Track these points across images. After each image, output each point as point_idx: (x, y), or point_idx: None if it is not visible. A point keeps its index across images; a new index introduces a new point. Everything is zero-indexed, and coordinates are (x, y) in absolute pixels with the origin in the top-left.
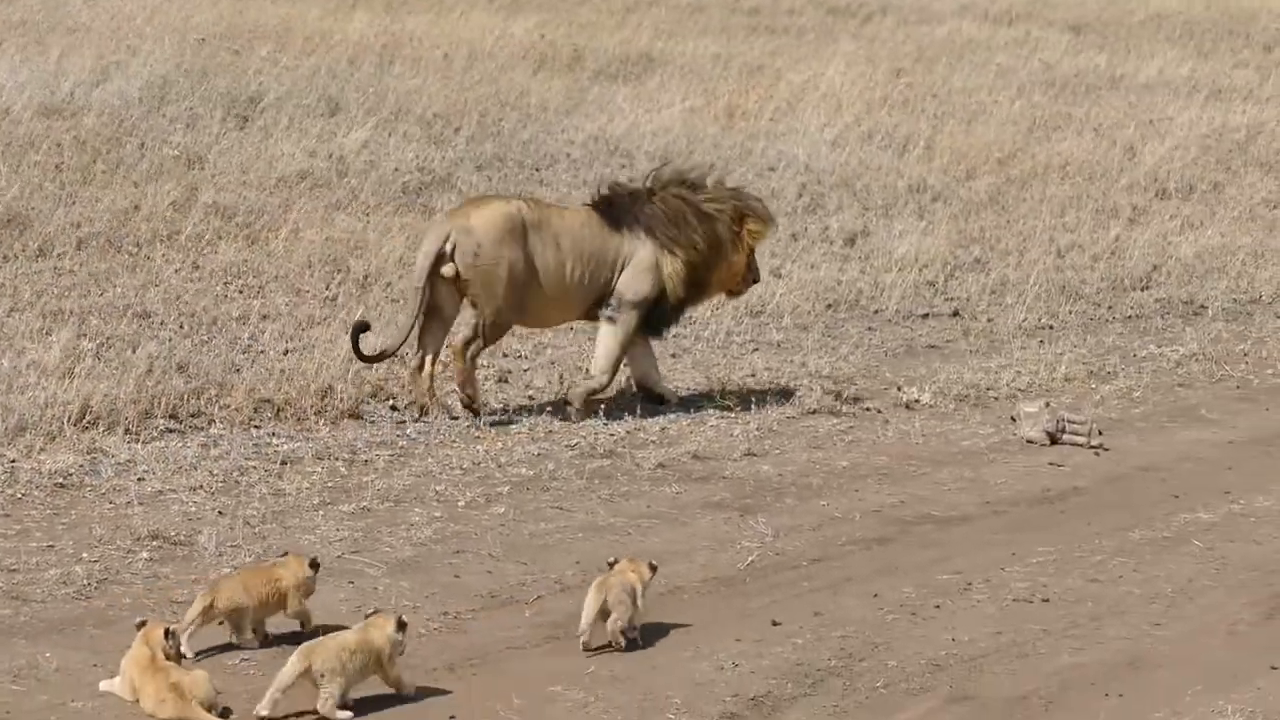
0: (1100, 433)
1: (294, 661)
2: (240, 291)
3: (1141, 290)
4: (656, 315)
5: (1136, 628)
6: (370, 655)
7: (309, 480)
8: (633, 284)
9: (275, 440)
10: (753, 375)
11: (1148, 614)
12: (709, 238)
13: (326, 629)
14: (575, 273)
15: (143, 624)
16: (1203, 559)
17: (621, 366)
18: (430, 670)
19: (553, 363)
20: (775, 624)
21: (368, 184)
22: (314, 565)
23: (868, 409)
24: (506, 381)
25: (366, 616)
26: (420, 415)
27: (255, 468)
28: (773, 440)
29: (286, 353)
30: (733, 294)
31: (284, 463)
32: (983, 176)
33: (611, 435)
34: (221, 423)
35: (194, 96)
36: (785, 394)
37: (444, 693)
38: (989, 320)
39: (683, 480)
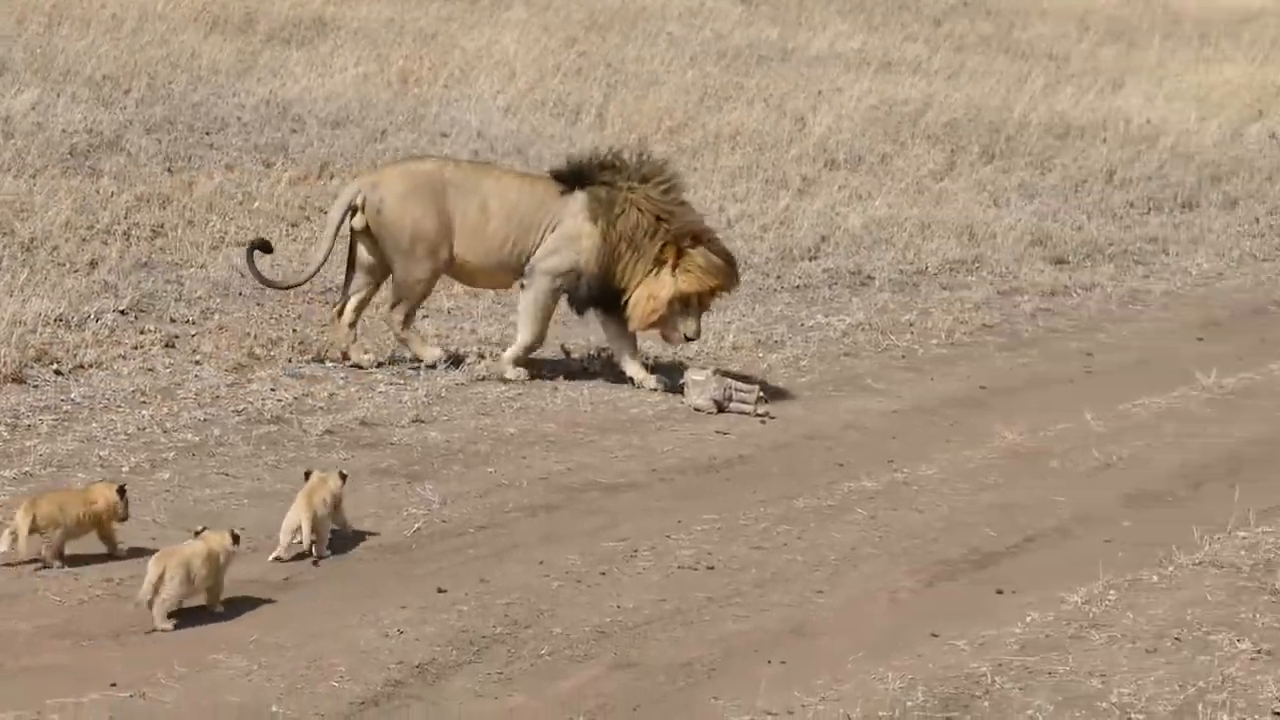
0: (767, 401)
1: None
2: None
3: (810, 260)
4: (576, 291)
5: (800, 595)
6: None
7: None
8: (550, 252)
9: None
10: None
11: (811, 581)
12: (636, 229)
13: None
14: (499, 235)
15: None
16: (866, 527)
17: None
18: (93, 638)
19: (220, 328)
20: (441, 591)
21: (34, 146)
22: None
23: (536, 376)
24: (173, 346)
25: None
26: (343, 360)
27: None
28: (441, 407)
29: None
30: (659, 328)
31: None
32: (654, 145)
33: (279, 401)
34: None
35: None
36: (455, 361)
37: (105, 660)
38: None
39: (350, 446)
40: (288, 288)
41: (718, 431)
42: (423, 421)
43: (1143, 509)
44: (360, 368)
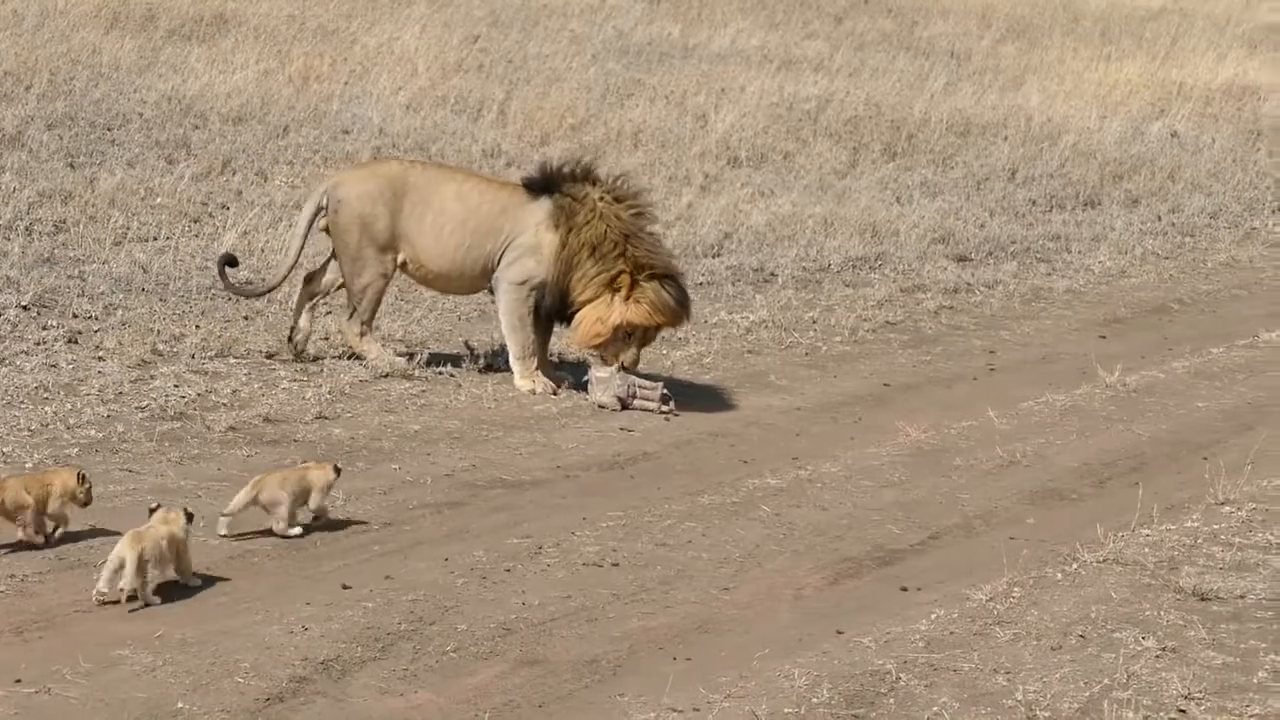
0: (671, 398)
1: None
2: None
3: (713, 257)
4: (540, 299)
5: (705, 592)
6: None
7: None
8: (511, 262)
9: None
10: (325, 338)
11: (716, 578)
12: (599, 242)
13: None
14: (454, 240)
15: None
16: (770, 524)
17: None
18: None
19: (123, 324)
20: (345, 588)
21: None
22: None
23: (440, 373)
24: (76, 342)
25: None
26: (295, 357)
27: None
28: (345, 403)
29: None
30: (599, 350)
31: None
32: (556, 142)
33: (182, 398)
34: None
35: None
36: (358, 357)
37: (9, 656)
38: None
39: (254, 443)
40: (261, 294)
41: (622, 429)
42: (326, 418)
43: (1046, 506)
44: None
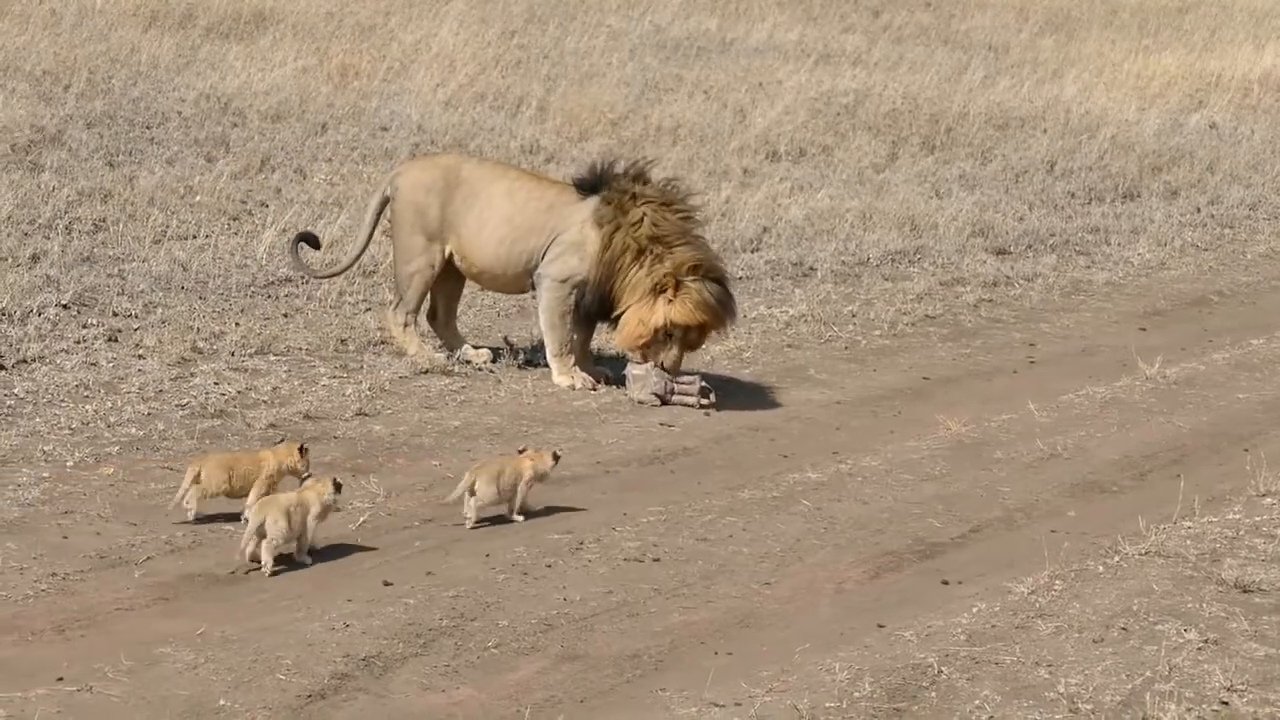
0: (710, 390)
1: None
2: None
3: (752, 252)
4: (581, 299)
5: (746, 586)
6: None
7: None
8: (554, 259)
9: None
10: (366, 335)
11: (757, 573)
12: (644, 244)
13: None
14: (497, 235)
15: None
16: (811, 518)
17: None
18: (37, 632)
19: (163, 322)
20: (387, 584)
21: None
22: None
23: (479, 369)
24: (116, 340)
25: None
26: (449, 356)
27: None
28: (385, 400)
29: None
30: (643, 352)
31: None
32: (595, 138)
33: (223, 395)
34: None
35: None
36: (399, 353)
37: (51, 655)
38: None
39: (294, 440)
40: (326, 276)
41: (662, 424)
42: (366, 415)
43: (1087, 499)
44: (471, 364)
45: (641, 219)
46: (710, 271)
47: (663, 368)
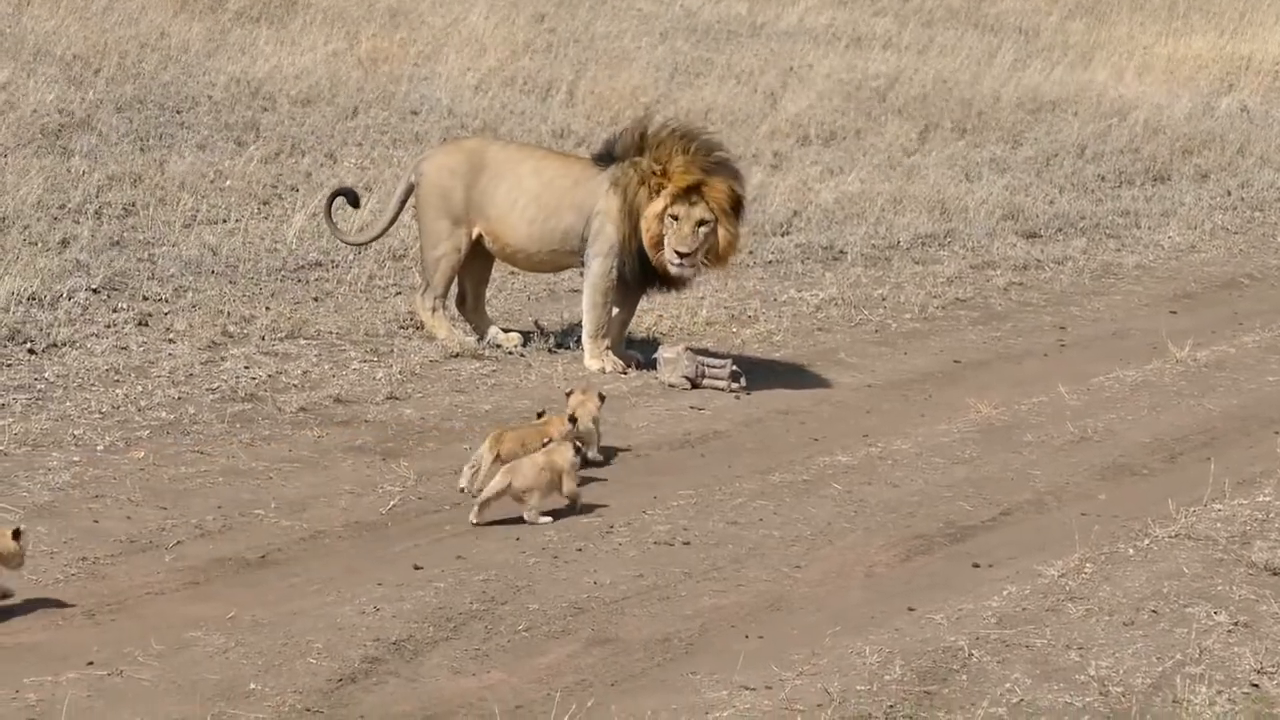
0: (741, 374)
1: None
2: None
3: (782, 235)
4: (622, 270)
5: (776, 570)
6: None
7: None
8: (595, 235)
9: None
10: (396, 319)
11: (787, 556)
12: (645, 177)
13: None
14: (528, 214)
15: None
16: (841, 501)
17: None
18: (68, 616)
19: (193, 306)
20: (417, 568)
21: (6, 125)
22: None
23: (509, 353)
24: (146, 324)
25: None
26: (479, 340)
27: None
28: (415, 384)
29: None
30: (659, 252)
31: None
32: (626, 122)
33: (253, 379)
34: None
35: None
36: (429, 337)
37: (81, 639)
38: None
39: (324, 424)
40: (351, 244)
41: (692, 407)
42: (397, 399)
43: (1118, 482)
44: (502, 348)
45: (646, 165)
46: (704, 150)
47: (677, 255)
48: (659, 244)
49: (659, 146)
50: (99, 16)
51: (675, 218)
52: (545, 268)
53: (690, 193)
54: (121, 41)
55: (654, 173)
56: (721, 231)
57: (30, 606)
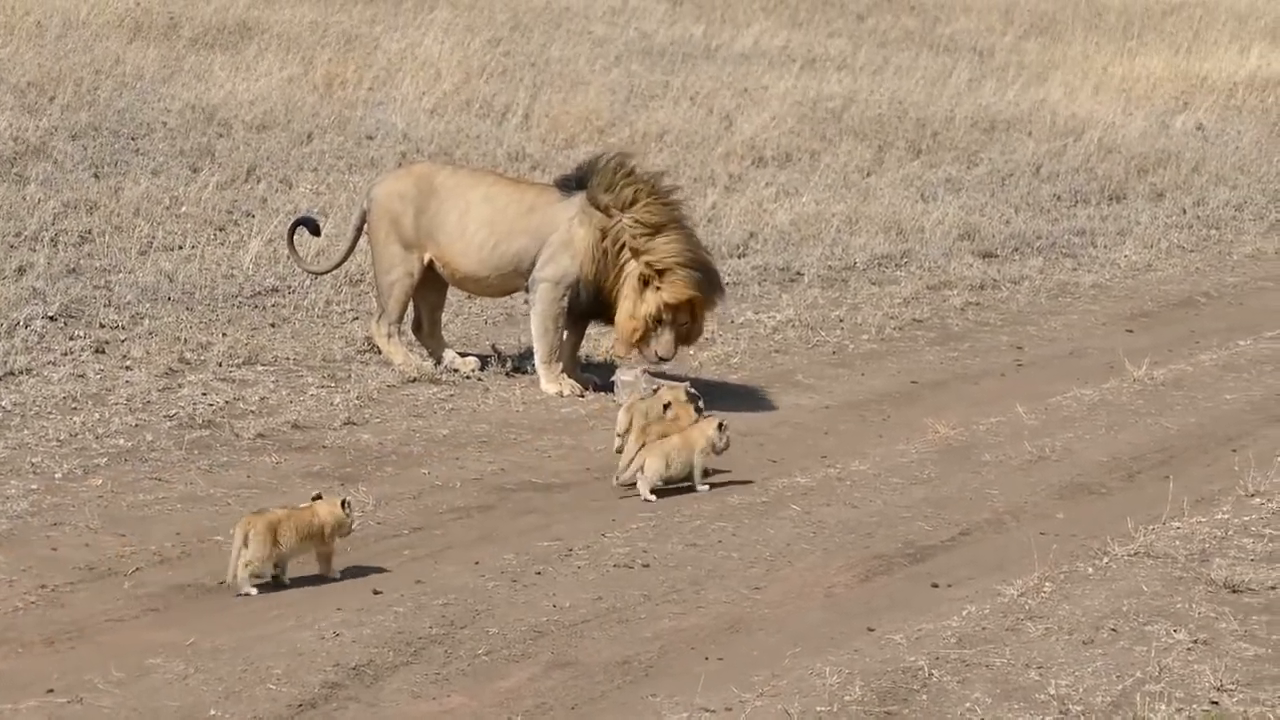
0: (698, 397)
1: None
2: None
3: (739, 257)
4: (575, 299)
5: (736, 591)
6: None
7: None
8: (546, 261)
9: None
10: (353, 344)
11: (747, 578)
12: (629, 235)
13: None
14: (478, 239)
15: None
16: (800, 523)
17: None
18: (27, 644)
19: (150, 333)
20: (376, 593)
21: None
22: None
23: (467, 377)
24: (103, 352)
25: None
26: (436, 365)
27: None
28: (373, 409)
29: None
30: (640, 348)
31: None
32: (581, 145)
33: (211, 405)
34: None
35: None
36: (386, 363)
37: (41, 667)
38: None
39: (283, 450)
40: (314, 273)
41: None
42: (355, 424)
43: (1076, 501)
44: (459, 372)
45: (631, 203)
46: (695, 258)
47: (658, 358)
48: (643, 338)
49: (637, 204)
50: (53, 43)
51: (661, 322)
52: (494, 292)
53: (681, 307)
54: (76, 68)
55: (649, 265)
56: (695, 328)
57: None
